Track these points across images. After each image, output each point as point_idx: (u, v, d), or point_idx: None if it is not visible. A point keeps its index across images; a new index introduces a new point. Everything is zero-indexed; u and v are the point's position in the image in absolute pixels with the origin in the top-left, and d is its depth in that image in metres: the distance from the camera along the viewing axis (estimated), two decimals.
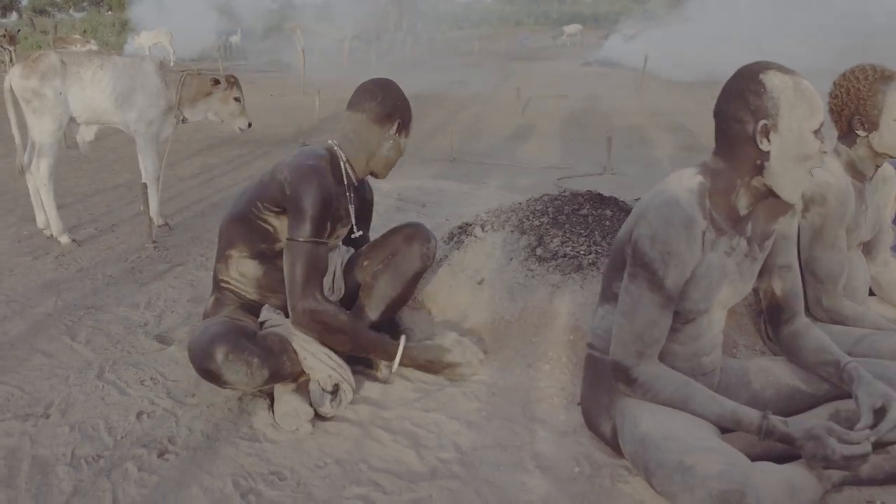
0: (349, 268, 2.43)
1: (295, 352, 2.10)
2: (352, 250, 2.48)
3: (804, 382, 1.90)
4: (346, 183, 2.29)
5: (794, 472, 1.60)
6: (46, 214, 3.87)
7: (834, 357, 1.82)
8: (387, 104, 2.26)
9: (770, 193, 1.71)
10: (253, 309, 2.25)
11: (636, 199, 3.10)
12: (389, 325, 2.46)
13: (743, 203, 1.73)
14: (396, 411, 2.13)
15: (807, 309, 2.21)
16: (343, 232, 2.37)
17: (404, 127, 2.31)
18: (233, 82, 4.06)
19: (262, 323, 2.19)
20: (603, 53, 19.68)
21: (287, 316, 2.15)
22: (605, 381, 1.86)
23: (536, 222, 2.75)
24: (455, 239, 2.87)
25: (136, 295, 3.13)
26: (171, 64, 4.76)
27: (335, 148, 2.27)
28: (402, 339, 2.23)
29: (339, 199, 2.25)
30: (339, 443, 1.98)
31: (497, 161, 6.79)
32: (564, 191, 3.10)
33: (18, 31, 16.71)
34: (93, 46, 15.21)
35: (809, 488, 1.59)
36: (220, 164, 6.51)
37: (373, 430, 2.03)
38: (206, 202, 5.01)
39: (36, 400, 2.20)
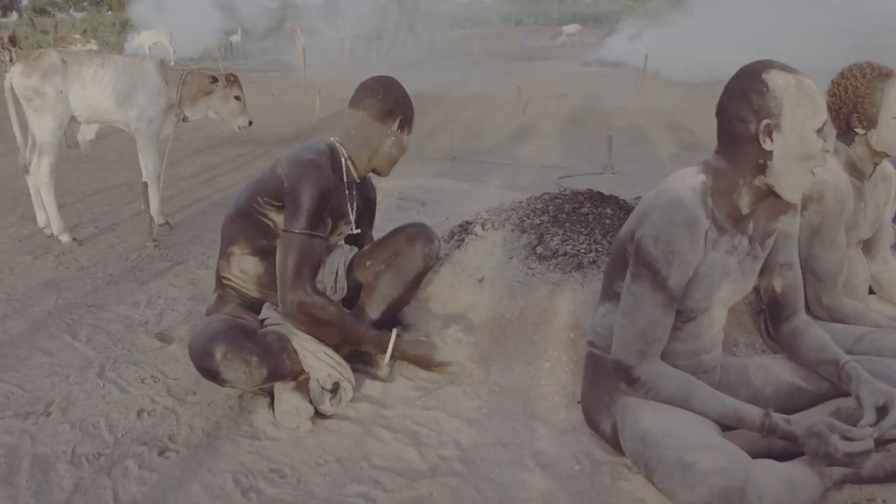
0: (352, 267, 2.43)
1: (294, 350, 2.11)
2: (355, 249, 2.48)
3: (804, 380, 1.90)
4: (347, 180, 2.30)
5: (794, 470, 1.60)
6: (47, 213, 3.87)
7: (833, 356, 1.82)
8: (388, 101, 2.26)
9: (772, 192, 1.71)
10: (254, 306, 2.25)
11: (637, 198, 3.10)
12: (391, 322, 2.45)
13: (745, 202, 1.73)
14: (397, 409, 2.13)
15: (807, 307, 2.21)
16: (345, 229, 2.37)
17: (406, 124, 2.31)
18: (233, 81, 4.07)
19: (262, 321, 2.19)
20: (603, 53, 19.68)
21: None
22: (605, 379, 1.86)
23: (537, 221, 2.75)
24: (456, 237, 2.87)
25: (137, 293, 3.13)
26: (172, 63, 4.75)
27: (337, 144, 2.28)
28: (395, 331, 2.23)
29: (338, 195, 2.25)
30: (340, 441, 1.98)
31: (497, 160, 6.79)
32: (565, 189, 3.10)
33: (14, 37, 16.73)
34: (93, 46, 15.20)
35: (810, 485, 1.59)
36: (220, 163, 6.51)
37: (373, 428, 2.03)
38: (207, 201, 5.01)
39: (36, 398, 2.20)
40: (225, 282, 2.28)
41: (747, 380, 1.93)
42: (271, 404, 2.12)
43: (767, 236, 1.83)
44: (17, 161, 3.85)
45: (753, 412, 1.65)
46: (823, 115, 1.64)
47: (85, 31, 26.65)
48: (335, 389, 2.11)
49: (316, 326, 2.11)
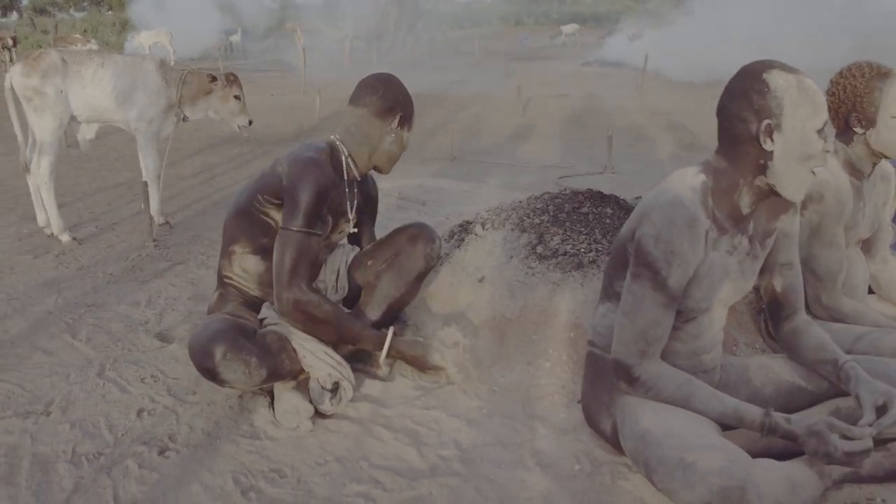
0: (353, 267, 2.43)
1: (294, 350, 2.11)
2: (356, 249, 2.48)
3: (804, 380, 1.90)
4: (347, 178, 2.30)
5: (795, 469, 1.60)
6: (47, 213, 3.87)
7: (833, 356, 1.82)
8: (388, 98, 2.26)
9: (773, 192, 1.71)
10: (255, 305, 2.26)
11: (637, 198, 3.10)
12: (392, 322, 2.45)
13: (745, 202, 1.73)
14: (397, 409, 2.13)
15: (806, 306, 2.21)
16: (346, 227, 2.37)
17: (406, 121, 2.31)
18: (232, 80, 4.07)
19: (261, 320, 2.19)
20: (603, 53, 19.68)
21: None
22: (605, 378, 1.86)
23: (537, 220, 2.75)
24: (456, 237, 2.87)
25: (137, 293, 3.13)
26: (172, 63, 4.75)
27: (337, 142, 2.28)
28: (391, 330, 2.23)
29: (338, 193, 2.25)
30: (340, 440, 1.98)
31: (497, 160, 6.79)
32: (565, 189, 3.10)
33: (16, 38, 16.77)
34: (93, 46, 15.20)
35: (810, 485, 1.60)
36: (220, 163, 6.51)
37: (373, 428, 2.03)
38: (207, 201, 5.01)
39: (36, 398, 2.20)
40: (226, 280, 2.28)
41: (747, 379, 1.93)
42: (271, 404, 2.12)
43: (767, 236, 1.83)
44: (17, 161, 3.86)
45: (753, 411, 1.65)
46: (824, 115, 1.64)
47: (85, 30, 26.64)
48: (335, 389, 2.11)
49: (312, 324, 2.11)
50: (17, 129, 3.76)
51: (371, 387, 2.24)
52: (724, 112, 1.70)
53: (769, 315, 1.96)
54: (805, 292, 2.20)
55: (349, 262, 2.43)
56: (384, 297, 2.38)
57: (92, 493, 1.76)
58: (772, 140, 1.63)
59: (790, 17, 15.52)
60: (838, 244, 2.18)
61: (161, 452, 1.91)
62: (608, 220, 2.75)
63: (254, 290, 2.27)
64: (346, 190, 2.30)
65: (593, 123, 9.00)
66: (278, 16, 29.21)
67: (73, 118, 3.78)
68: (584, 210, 2.81)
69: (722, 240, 1.74)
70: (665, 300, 1.69)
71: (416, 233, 2.41)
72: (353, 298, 2.42)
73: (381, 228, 2.57)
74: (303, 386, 2.12)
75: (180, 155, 6.62)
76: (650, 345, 1.73)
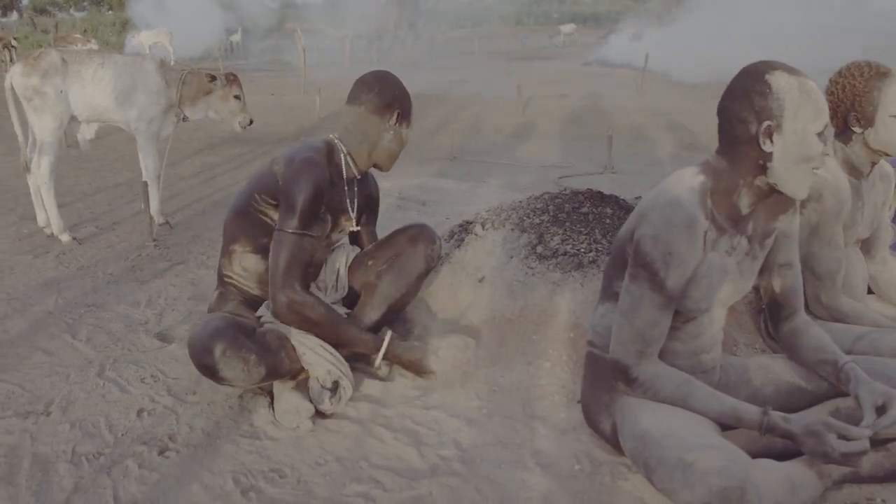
0: (354, 267, 2.43)
1: (293, 349, 2.11)
2: (357, 249, 2.48)
3: (804, 380, 1.90)
4: (347, 176, 2.30)
5: (794, 469, 1.60)
6: (47, 213, 3.87)
7: (832, 356, 1.82)
8: (385, 95, 2.26)
9: (773, 192, 1.71)
10: (255, 304, 2.26)
11: (637, 198, 3.10)
12: (392, 323, 2.45)
13: (745, 202, 1.73)
14: (397, 409, 2.13)
15: (806, 306, 2.21)
16: (347, 226, 2.37)
17: (404, 117, 2.31)
18: (232, 80, 4.07)
19: (260, 319, 2.20)
20: (603, 53, 19.68)
21: None
22: (605, 378, 1.86)
23: (537, 220, 2.75)
24: (456, 237, 2.87)
25: (137, 293, 3.13)
26: (172, 63, 4.75)
27: (335, 141, 2.28)
28: (388, 333, 2.23)
29: (336, 192, 2.25)
30: (340, 440, 1.98)
31: (497, 160, 6.79)
32: (565, 189, 3.10)
33: (15, 40, 16.76)
34: (93, 46, 15.21)
35: (810, 485, 1.60)
36: (220, 163, 6.51)
37: (373, 428, 2.03)
38: (207, 201, 5.01)
39: (36, 398, 2.20)
40: (226, 279, 2.29)
41: (747, 379, 1.93)
42: (271, 404, 2.12)
43: (767, 236, 1.83)
44: (17, 161, 3.86)
45: (752, 411, 1.65)
46: (825, 117, 1.64)
47: (85, 30, 26.63)
48: (335, 388, 2.11)
49: (306, 326, 2.12)
50: (17, 129, 3.76)
51: (371, 387, 2.24)
52: (724, 112, 1.69)
53: (769, 315, 1.96)
54: (804, 292, 2.20)
55: (350, 262, 2.43)
56: (384, 298, 2.37)
57: (92, 493, 1.76)
58: (771, 141, 1.63)
59: (790, 18, 15.53)
60: (837, 243, 2.18)
61: (161, 452, 1.91)
62: (608, 221, 2.75)
63: (254, 290, 2.27)
64: (346, 188, 2.30)
65: (593, 123, 9.00)
66: (279, 15, 29.21)
67: (73, 118, 3.78)
68: (584, 210, 2.81)
69: (721, 240, 1.74)
70: (663, 301, 1.69)
71: (417, 234, 2.41)
72: (353, 299, 2.42)
73: (382, 228, 2.57)
74: (302, 386, 2.12)
75: (180, 155, 6.62)
76: (648, 345, 1.73)
